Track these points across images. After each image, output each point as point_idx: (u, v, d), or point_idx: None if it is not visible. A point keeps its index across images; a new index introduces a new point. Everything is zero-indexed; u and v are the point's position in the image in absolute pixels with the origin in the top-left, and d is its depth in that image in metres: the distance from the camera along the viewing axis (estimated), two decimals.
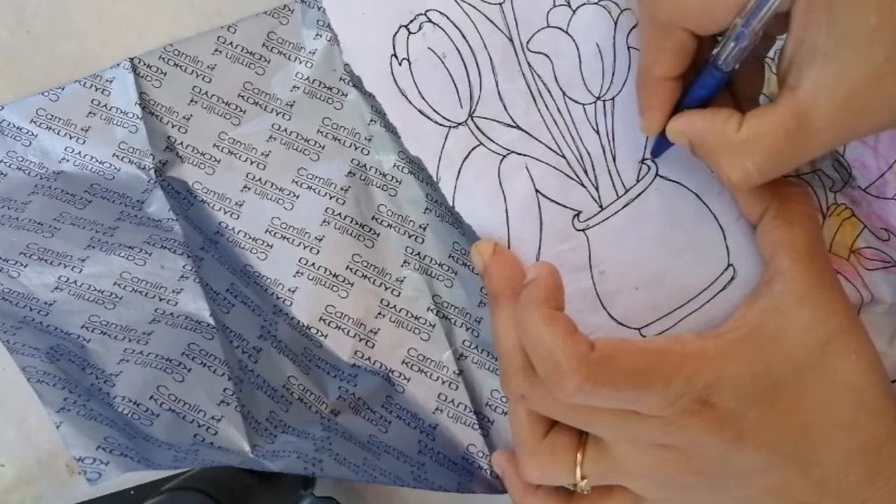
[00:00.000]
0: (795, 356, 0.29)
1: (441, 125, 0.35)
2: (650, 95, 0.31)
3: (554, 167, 0.35)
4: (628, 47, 0.35)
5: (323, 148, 0.41)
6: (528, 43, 0.35)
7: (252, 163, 0.41)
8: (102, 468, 0.35)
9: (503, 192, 0.35)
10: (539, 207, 0.35)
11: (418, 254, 0.40)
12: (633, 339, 0.29)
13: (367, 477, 0.36)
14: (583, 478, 0.31)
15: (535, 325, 0.28)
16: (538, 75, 0.35)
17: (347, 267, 0.40)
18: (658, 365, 0.28)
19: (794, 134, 0.26)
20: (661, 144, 0.33)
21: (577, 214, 0.35)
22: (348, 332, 0.39)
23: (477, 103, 0.35)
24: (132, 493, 0.42)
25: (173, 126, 0.41)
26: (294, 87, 0.41)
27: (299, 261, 0.40)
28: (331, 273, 0.40)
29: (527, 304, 0.29)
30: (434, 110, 0.36)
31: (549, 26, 0.35)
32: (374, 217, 0.40)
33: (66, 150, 0.41)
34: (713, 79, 0.29)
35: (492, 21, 0.35)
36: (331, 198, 0.40)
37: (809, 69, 0.25)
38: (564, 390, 0.27)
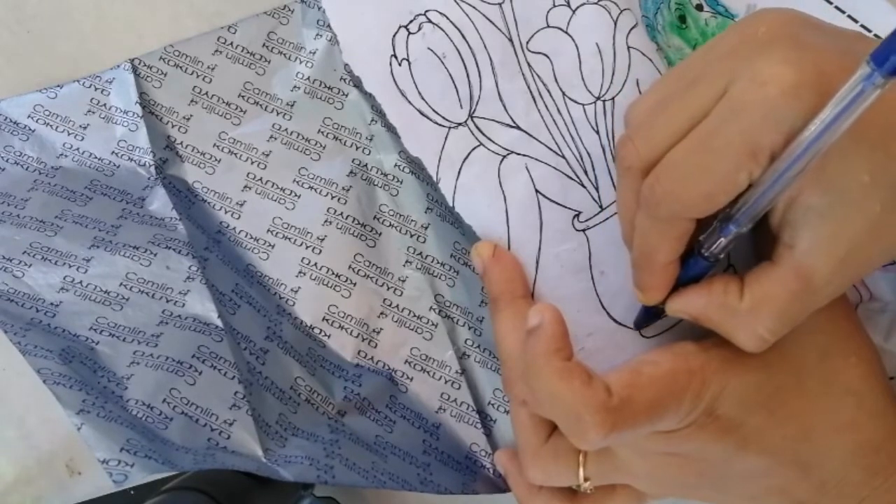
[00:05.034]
0: (796, 361, 0.29)
1: (441, 125, 0.35)
2: (652, 278, 0.29)
3: (554, 167, 0.35)
4: (628, 47, 0.35)
5: (324, 148, 0.41)
6: (527, 43, 0.35)
7: (253, 163, 0.41)
8: (128, 470, 0.35)
9: (503, 192, 0.35)
10: (539, 208, 0.35)
11: (420, 253, 0.40)
12: (641, 368, 0.28)
13: (376, 482, 0.36)
14: (586, 479, 0.31)
15: (549, 382, 0.27)
16: (538, 75, 0.35)
17: (350, 267, 0.40)
18: (669, 390, 0.28)
19: (799, 294, 0.26)
20: (649, 317, 0.33)
21: (578, 215, 0.35)
22: (351, 331, 0.39)
23: (477, 103, 0.35)
24: (132, 492, 0.42)
25: (173, 126, 0.41)
26: (294, 87, 0.41)
27: (301, 261, 0.40)
28: (333, 273, 0.40)
29: (536, 357, 0.28)
30: (434, 111, 0.36)
31: (548, 26, 0.35)
32: (375, 217, 0.41)
33: (64, 145, 0.41)
34: (700, 267, 0.29)
35: (491, 21, 0.35)
36: (332, 198, 0.40)
37: (804, 228, 0.25)
38: (589, 442, 0.27)
